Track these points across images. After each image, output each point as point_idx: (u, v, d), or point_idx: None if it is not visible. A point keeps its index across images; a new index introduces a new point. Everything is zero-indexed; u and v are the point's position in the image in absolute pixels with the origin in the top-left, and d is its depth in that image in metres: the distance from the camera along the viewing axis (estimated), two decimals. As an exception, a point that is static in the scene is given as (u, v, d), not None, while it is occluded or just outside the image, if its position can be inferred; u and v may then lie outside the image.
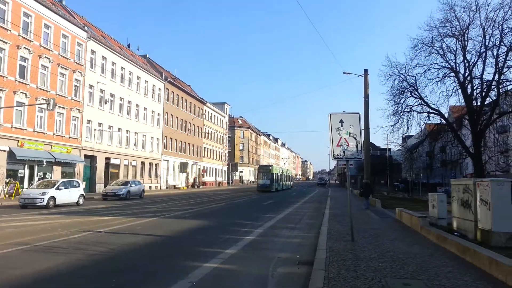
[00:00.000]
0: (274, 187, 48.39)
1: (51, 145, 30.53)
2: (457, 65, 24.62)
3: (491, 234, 8.87)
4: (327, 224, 13.62)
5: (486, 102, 24.92)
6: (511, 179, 9.27)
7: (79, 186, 24.60)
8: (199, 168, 65.36)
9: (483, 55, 23.36)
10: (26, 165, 28.48)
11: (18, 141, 27.38)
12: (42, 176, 30.07)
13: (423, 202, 24.40)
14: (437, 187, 47.53)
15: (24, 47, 27.98)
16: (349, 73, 31.47)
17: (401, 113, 26.40)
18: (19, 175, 28.07)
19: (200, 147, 66.21)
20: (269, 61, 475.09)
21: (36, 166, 29.35)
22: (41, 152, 29.18)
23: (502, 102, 24.12)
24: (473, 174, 28.94)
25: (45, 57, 29.94)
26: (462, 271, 6.88)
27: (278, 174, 52.86)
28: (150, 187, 47.72)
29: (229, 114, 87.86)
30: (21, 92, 27.61)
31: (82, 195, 24.21)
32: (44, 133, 29.90)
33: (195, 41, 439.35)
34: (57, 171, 31.36)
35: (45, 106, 26.08)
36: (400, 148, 44.14)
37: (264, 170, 49.86)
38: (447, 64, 24.87)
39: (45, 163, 29.62)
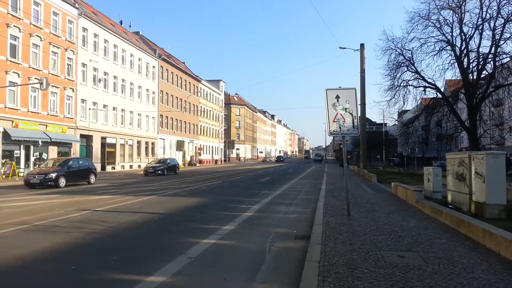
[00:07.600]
0: (309, 158, 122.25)
1: (46, 125, 30.35)
2: (454, 38, 24.45)
3: (485, 206, 8.97)
4: (324, 199, 13.72)
5: (482, 76, 24.89)
6: (505, 152, 9.33)
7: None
8: (195, 146, 65.38)
9: (480, 27, 23.17)
10: (21, 146, 28.38)
11: (12, 121, 27.18)
12: (38, 156, 30.04)
13: (419, 176, 24.57)
14: (433, 161, 47.97)
15: (14, 26, 27.41)
16: (345, 48, 31.32)
17: (397, 88, 26.39)
18: (15, 155, 27.99)
19: (196, 125, 66.02)
20: (266, 38, 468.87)
21: (32, 147, 29.26)
22: (36, 132, 29.02)
23: (498, 75, 24.06)
24: (468, 147, 29.14)
25: (36, 35, 29.39)
26: (457, 242, 6.98)
27: (310, 152, 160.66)
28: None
29: (224, 92, 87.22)
30: (13, 72, 27.21)
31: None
32: (38, 113, 29.65)
33: (188, 18, 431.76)
34: (53, 151, 31.29)
35: (38, 85, 25.77)
36: (396, 123, 44.19)
37: (306, 151, 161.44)
38: (443, 37, 24.69)
39: (40, 143, 29.49)
